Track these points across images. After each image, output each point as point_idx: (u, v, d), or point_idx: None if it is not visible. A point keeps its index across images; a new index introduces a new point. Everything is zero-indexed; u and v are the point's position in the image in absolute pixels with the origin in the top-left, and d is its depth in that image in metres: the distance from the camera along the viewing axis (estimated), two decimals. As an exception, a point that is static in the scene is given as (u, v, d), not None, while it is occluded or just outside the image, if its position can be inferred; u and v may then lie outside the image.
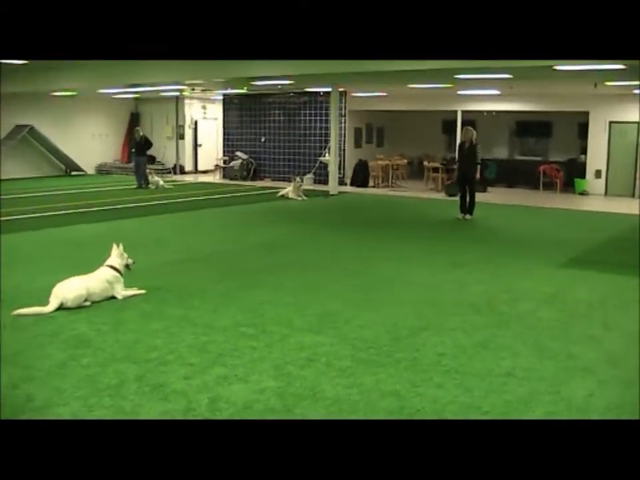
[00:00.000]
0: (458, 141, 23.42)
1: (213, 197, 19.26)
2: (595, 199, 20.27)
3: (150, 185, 21.10)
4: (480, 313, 7.22)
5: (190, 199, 18.50)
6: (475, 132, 14.94)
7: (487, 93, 21.86)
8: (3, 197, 17.59)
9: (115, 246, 7.71)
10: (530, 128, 24.98)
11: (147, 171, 21.69)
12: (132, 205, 16.79)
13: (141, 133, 22.09)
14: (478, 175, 14.97)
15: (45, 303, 6.98)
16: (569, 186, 21.82)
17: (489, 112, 24.15)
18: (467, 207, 14.90)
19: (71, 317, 6.76)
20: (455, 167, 21.25)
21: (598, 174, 21.57)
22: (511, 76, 15.64)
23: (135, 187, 21.21)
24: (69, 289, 7.07)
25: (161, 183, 21.28)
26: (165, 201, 17.70)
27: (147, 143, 21.80)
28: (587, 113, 21.62)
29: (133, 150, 22.12)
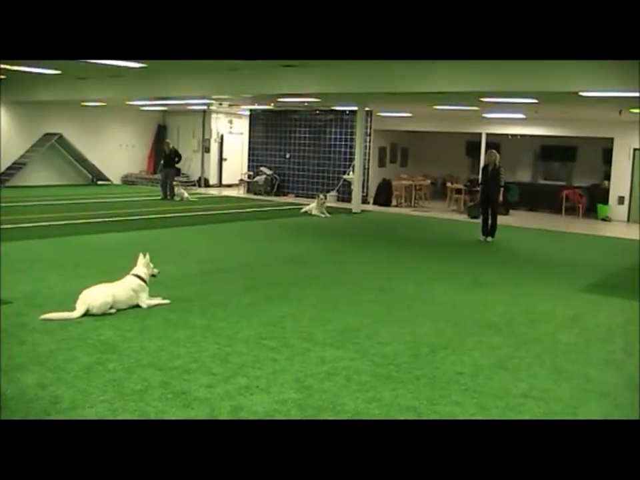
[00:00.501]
0: (482, 163, 23.54)
1: (237, 210, 19.44)
2: (617, 225, 20.23)
3: (175, 197, 21.29)
4: (499, 333, 7.29)
5: (214, 212, 18.69)
6: (498, 155, 15.00)
7: (512, 116, 21.93)
8: (31, 203, 17.88)
9: (141, 255, 7.84)
10: (554, 152, 25.02)
11: (174, 183, 21.86)
12: (158, 215, 16.98)
13: (171, 146, 22.31)
14: (501, 198, 15.04)
15: (72, 308, 7.12)
16: (591, 211, 21.82)
17: (513, 135, 24.21)
18: (489, 230, 14.95)
19: (97, 323, 6.90)
20: (478, 188, 21.43)
21: (621, 200, 21.56)
22: (536, 100, 15.72)
23: (160, 197, 21.41)
24: (95, 296, 7.19)
25: (186, 195, 21.44)
26: (190, 213, 17.88)
27: (177, 156, 22.03)
28: (611, 139, 21.64)
29: (162, 161, 22.33)
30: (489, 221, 14.96)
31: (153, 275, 7.91)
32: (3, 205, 16.34)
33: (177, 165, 22.59)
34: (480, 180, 15.76)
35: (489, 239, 14.86)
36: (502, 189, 14.86)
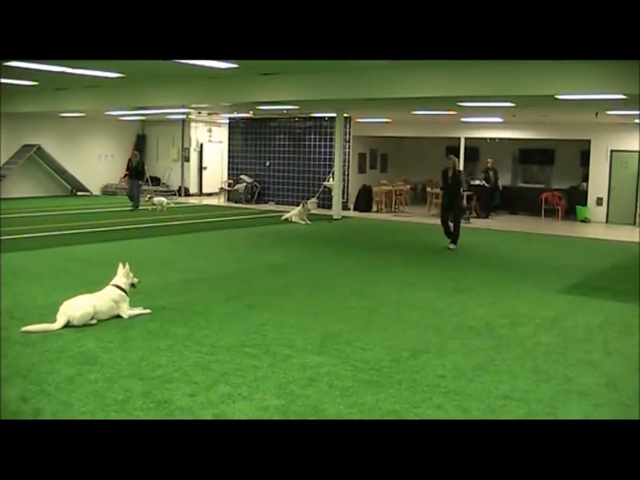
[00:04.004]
0: (454, 168, 23.70)
1: (217, 219, 19.44)
2: (596, 227, 20.41)
3: (155, 207, 21.00)
4: (480, 336, 7.34)
5: (195, 221, 18.68)
6: (457, 159, 14.55)
7: (490, 120, 22.07)
8: (9, 215, 17.78)
9: (120, 265, 7.84)
10: (532, 155, 25.19)
11: (150, 194, 21.59)
12: (139, 225, 16.96)
13: (139, 157, 22.03)
14: (465, 203, 15.01)
15: (53, 320, 7.10)
16: (570, 213, 22.01)
17: (492, 139, 24.36)
18: (451, 236, 14.39)
19: (78, 334, 6.88)
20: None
21: (599, 201, 21.74)
22: (513, 104, 15.84)
23: (129, 209, 21.10)
24: (75, 307, 7.18)
25: (165, 202, 21.35)
26: (171, 223, 17.85)
27: (142, 167, 21.91)
28: (588, 142, 21.83)
29: (127, 172, 21.90)
30: (452, 227, 14.44)
31: (133, 285, 7.89)
32: (-19, 217, 16.24)
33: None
34: (441, 185, 15.33)
35: (452, 246, 14.24)
36: (463, 193, 14.75)
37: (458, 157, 23.54)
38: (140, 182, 21.82)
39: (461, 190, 14.57)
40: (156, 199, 21.35)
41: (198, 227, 17.35)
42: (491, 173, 22.55)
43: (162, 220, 18.37)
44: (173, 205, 21.50)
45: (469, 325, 7.81)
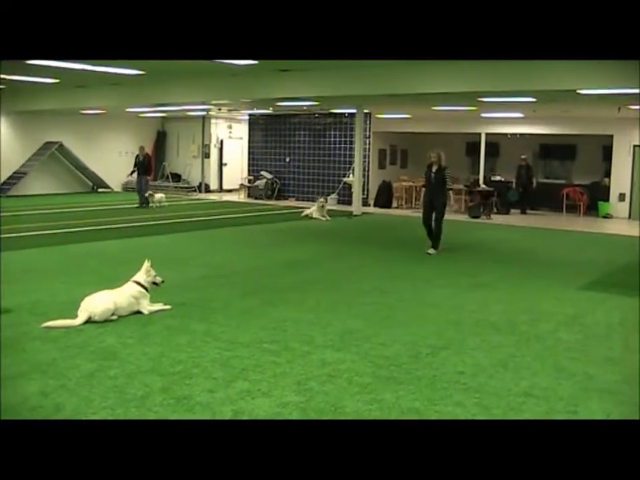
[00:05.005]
0: (482, 164, 23.60)
1: (237, 215, 19.47)
2: (618, 223, 20.23)
3: (154, 204, 20.58)
4: (500, 332, 7.30)
5: (215, 217, 18.73)
6: (443, 154, 12.91)
7: (510, 115, 21.96)
8: (31, 212, 17.93)
9: (146, 261, 7.85)
10: (553, 151, 25.03)
11: (151, 191, 21.06)
12: (159, 222, 17.02)
13: (145, 151, 21.73)
14: (448, 201, 13.28)
15: (74, 316, 7.15)
16: (592, 209, 21.82)
17: (512, 134, 24.22)
18: (432, 239, 13.00)
19: (99, 330, 6.92)
20: (480, 189, 21.53)
21: (622, 197, 21.56)
22: (534, 99, 15.74)
23: (136, 206, 20.77)
24: (97, 303, 7.22)
25: (164, 198, 21.09)
26: (191, 219, 17.92)
27: (149, 164, 21.47)
28: (611, 136, 21.65)
29: (135, 168, 21.39)
30: (433, 229, 13.06)
31: (157, 284, 7.92)
32: (4, 214, 16.39)
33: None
34: (424, 182, 13.79)
35: (430, 250, 12.82)
36: (448, 192, 13.04)
37: (478, 152, 23.57)
38: (148, 177, 21.38)
39: (446, 188, 13.15)
40: (156, 196, 20.88)
41: (218, 223, 17.40)
42: (523, 171, 22.20)
43: (181, 217, 18.43)
44: (166, 204, 21.01)
45: (488, 321, 7.78)
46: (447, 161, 12.81)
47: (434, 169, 12.88)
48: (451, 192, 12.75)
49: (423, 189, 13.95)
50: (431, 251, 12.84)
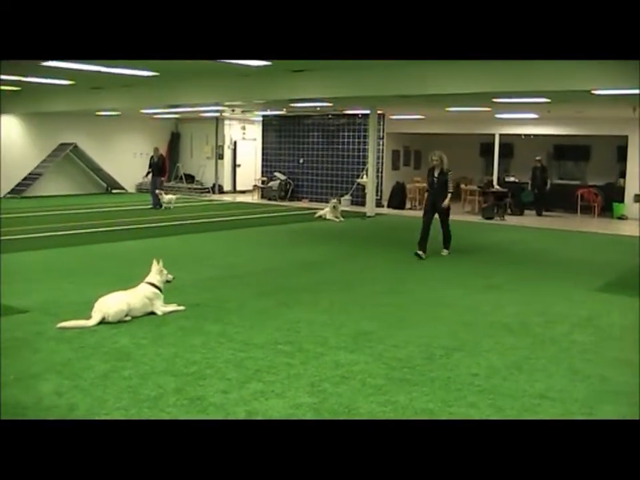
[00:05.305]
0: (495, 164, 23.52)
1: (251, 216, 19.49)
2: (633, 224, 20.06)
3: (166, 204, 20.55)
4: (514, 334, 7.27)
5: (228, 218, 18.75)
6: (444, 156, 12.72)
7: (524, 116, 21.87)
8: (45, 213, 18.01)
9: (154, 262, 7.88)
10: (568, 151, 24.93)
11: (161, 192, 20.91)
12: (172, 223, 17.06)
13: (159, 152, 21.68)
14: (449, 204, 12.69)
15: (88, 316, 7.18)
16: (607, 210, 21.68)
17: (526, 135, 24.14)
18: (444, 240, 12.86)
19: (113, 331, 6.95)
20: (494, 189, 21.46)
21: (637, 198, 21.39)
22: (548, 100, 15.68)
23: (149, 207, 20.73)
24: (110, 304, 7.24)
25: (174, 199, 21.04)
26: (205, 220, 17.95)
27: (164, 165, 21.38)
28: (625, 137, 21.52)
29: (150, 170, 21.31)
30: (442, 232, 12.86)
31: (168, 281, 7.93)
32: (19, 215, 16.48)
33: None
34: (426, 187, 13.56)
35: (444, 251, 12.80)
36: (450, 195, 12.61)
37: (492, 153, 23.49)
38: (162, 178, 21.32)
39: (449, 192, 12.57)
40: (166, 197, 20.79)
41: (232, 224, 17.43)
42: (538, 172, 21.99)
43: (195, 217, 18.46)
44: (173, 205, 20.87)
45: (502, 322, 7.75)
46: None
47: (436, 172, 12.65)
48: (450, 195, 12.28)
49: (426, 194, 13.60)
50: (444, 252, 12.84)
